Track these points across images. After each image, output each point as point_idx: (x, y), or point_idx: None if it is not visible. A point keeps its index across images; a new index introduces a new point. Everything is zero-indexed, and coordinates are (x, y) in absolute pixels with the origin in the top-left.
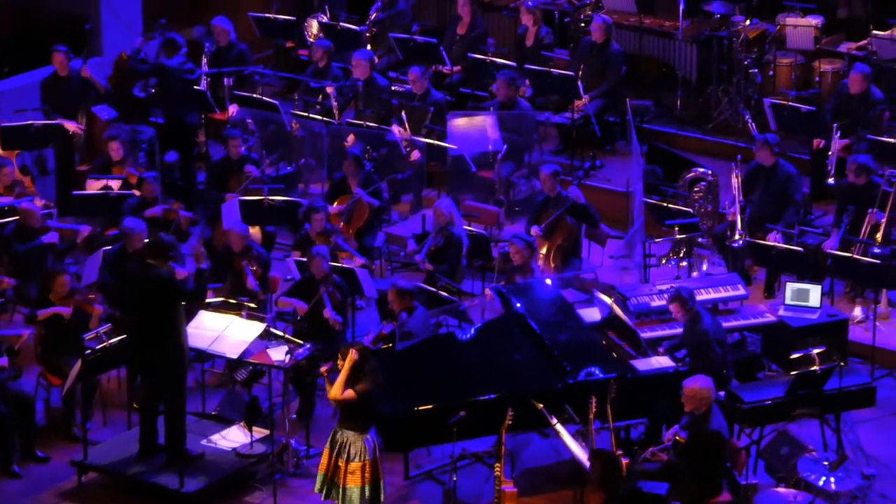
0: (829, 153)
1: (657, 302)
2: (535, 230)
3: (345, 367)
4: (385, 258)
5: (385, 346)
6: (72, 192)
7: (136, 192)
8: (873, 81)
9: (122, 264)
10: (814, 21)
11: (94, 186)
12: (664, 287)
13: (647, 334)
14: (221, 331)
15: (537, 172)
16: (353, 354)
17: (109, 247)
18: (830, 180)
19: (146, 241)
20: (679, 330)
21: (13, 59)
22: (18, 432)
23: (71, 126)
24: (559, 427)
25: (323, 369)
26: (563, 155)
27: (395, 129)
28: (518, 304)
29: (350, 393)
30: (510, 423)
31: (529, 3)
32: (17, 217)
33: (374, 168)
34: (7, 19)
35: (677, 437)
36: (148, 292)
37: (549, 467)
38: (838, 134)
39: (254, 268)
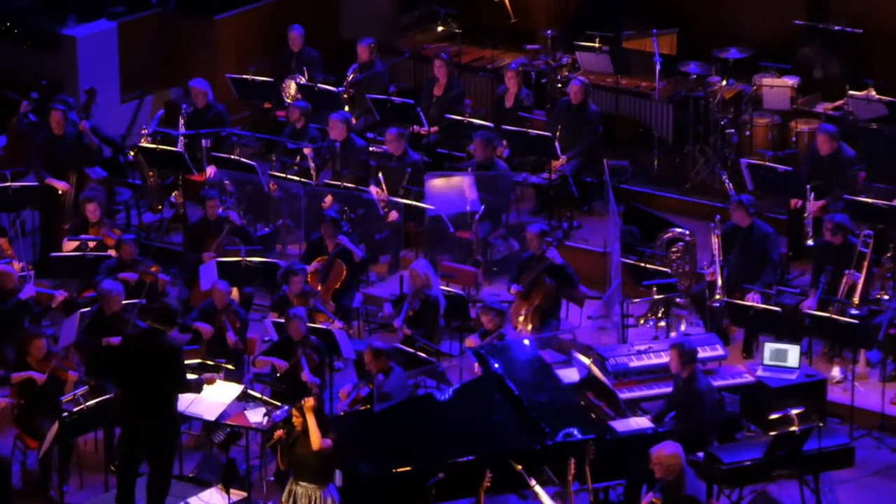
0: (806, 215)
1: (635, 362)
2: (514, 289)
3: (311, 417)
4: (363, 319)
5: (363, 408)
6: (50, 253)
7: (113, 254)
8: (850, 142)
9: (100, 326)
10: (790, 81)
11: (69, 247)
12: (642, 347)
13: (625, 395)
14: (199, 393)
15: (515, 233)
16: (311, 402)
17: (87, 308)
18: (809, 242)
19: (156, 307)
20: (657, 390)
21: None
22: None
23: (60, 185)
24: (538, 489)
25: (279, 433)
26: (540, 215)
27: (373, 189)
28: (496, 365)
29: (329, 441)
30: (489, 484)
31: (513, 64)
32: None
33: (351, 229)
34: None
35: (654, 500)
36: (153, 357)
37: None
38: (812, 195)
39: (236, 325)
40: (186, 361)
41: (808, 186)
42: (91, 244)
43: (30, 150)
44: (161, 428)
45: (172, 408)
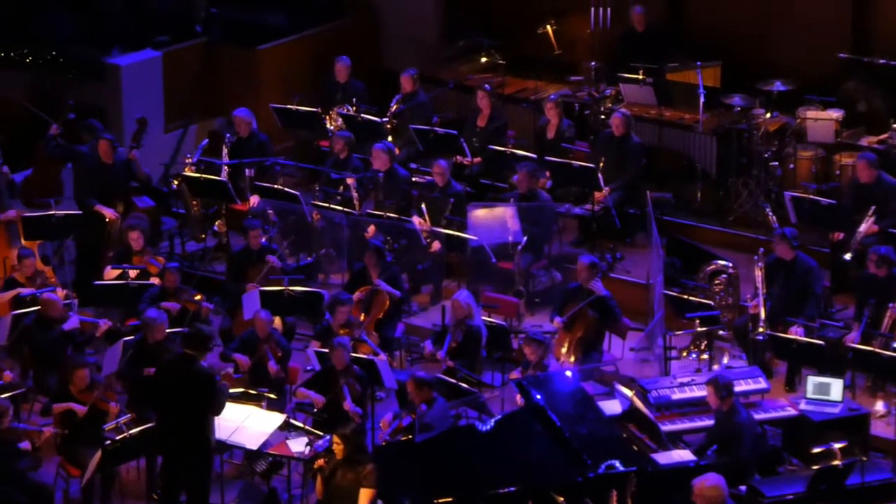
0: (858, 231)
1: (678, 395)
2: (557, 321)
3: (342, 474)
4: (405, 349)
5: (404, 438)
6: (93, 282)
7: (157, 282)
8: (893, 175)
9: (143, 354)
10: (834, 114)
11: (112, 275)
12: (685, 380)
13: (667, 427)
14: (241, 422)
15: (558, 264)
16: (335, 448)
17: (130, 337)
18: (847, 255)
19: (189, 332)
20: (699, 423)
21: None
22: None
23: (108, 213)
24: None
25: (319, 462)
26: (582, 246)
27: (416, 219)
28: (538, 396)
29: (370, 492)
30: None
31: (553, 95)
32: (38, 307)
33: (394, 259)
34: (31, 114)
35: None
36: (186, 383)
37: None
38: (874, 218)
39: (277, 354)
40: (231, 390)
41: (873, 207)
42: (133, 273)
43: (76, 178)
44: (194, 454)
45: (206, 435)
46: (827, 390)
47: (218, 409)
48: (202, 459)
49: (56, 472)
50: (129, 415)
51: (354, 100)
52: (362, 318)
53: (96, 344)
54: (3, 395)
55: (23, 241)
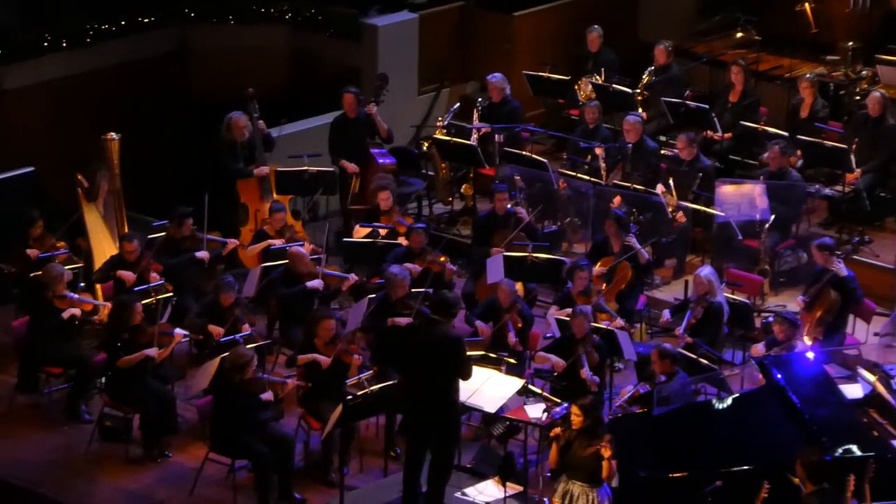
0: None
1: None
2: (800, 300)
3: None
4: (645, 321)
5: (640, 410)
6: (343, 238)
7: (403, 242)
8: None
9: (385, 311)
10: None
11: (360, 233)
12: None
13: None
14: (480, 385)
15: (805, 244)
16: (573, 418)
17: (374, 295)
18: None
19: (436, 298)
20: None
21: (292, 108)
22: (277, 473)
23: (350, 167)
24: None
25: (556, 430)
26: (830, 228)
27: (660, 189)
28: (779, 376)
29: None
30: (765, 495)
31: (808, 74)
32: (286, 261)
33: (638, 231)
34: (288, 70)
35: None
36: (434, 348)
37: None
38: None
39: (518, 325)
40: (469, 353)
41: None
42: (382, 232)
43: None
44: (443, 418)
45: (453, 398)
46: None
47: (466, 374)
48: (450, 422)
49: (297, 425)
50: (370, 371)
51: (603, 70)
52: (603, 287)
53: (341, 299)
54: (249, 346)
55: (275, 195)
